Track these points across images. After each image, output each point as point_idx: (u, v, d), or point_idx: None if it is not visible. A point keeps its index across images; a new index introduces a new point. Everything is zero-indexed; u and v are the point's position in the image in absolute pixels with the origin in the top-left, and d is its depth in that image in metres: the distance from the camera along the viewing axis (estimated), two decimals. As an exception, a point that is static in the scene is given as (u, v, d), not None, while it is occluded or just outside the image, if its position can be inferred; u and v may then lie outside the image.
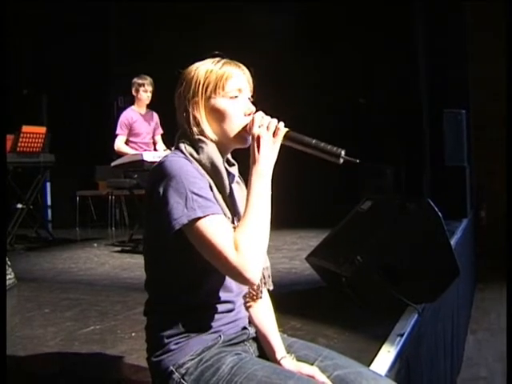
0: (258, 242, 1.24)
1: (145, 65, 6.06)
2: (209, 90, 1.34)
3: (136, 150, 4.91)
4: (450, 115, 5.71)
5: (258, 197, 1.27)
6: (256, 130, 1.31)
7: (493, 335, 4.49)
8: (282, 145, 1.32)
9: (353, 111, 6.29)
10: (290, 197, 5.70)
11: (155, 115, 5.14)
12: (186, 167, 1.27)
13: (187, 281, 1.31)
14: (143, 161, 4.34)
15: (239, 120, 1.35)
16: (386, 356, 1.84)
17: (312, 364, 1.34)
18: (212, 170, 1.32)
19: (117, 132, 4.91)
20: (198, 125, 1.34)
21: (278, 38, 6.11)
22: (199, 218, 1.21)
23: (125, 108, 5.20)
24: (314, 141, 1.33)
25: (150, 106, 5.10)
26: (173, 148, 1.39)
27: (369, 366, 1.69)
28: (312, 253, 3.03)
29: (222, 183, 1.33)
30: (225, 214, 1.29)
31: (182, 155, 1.32)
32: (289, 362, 1.36)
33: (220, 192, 1.32)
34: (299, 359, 1.38)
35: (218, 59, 1.38)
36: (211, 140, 1.34)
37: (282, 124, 1.32)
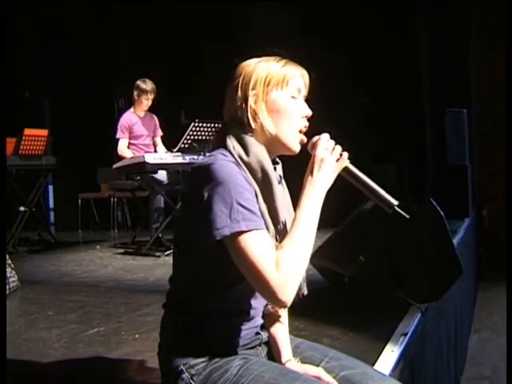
0: (301, 264, 1.19)
1: (145, 67, 6.07)
2: (271, 84, 1.29)
3: (137, 151, 4.96)
4: (452, 114, 5.69)
5: (308, 219, 1.23)
6: (320, 153, 1.27)
7: (496, 334, 4.48)
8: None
9: (355, 111, 6.28)
10: (292, 197, 5.69)
11: (154, 117, 5.18)
12: (235, 174, 1.20)
13: (216, 287, 1.27)
14: (145, 163, 4.36)
15: (298, 120, 1.31)
16: (390, 355, 1.85)
17: (318, 365, 1.34)
18: (261, 176, 1.25)
19: (118, 136, 4.96)
20: (254, 119, 1.29)
21: (279, 36, 6.10)
22: (242, 232, 1.15)
23: (125, 110, 5.22)
24: (372, 183, 1.29)
25: (150, 109, 5.13)
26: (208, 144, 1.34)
27: (373, 365, 1.69)
28: (315, 253, 3.03)
29: (271, 191, 1.26)
30: (268, 228, 1.23)
31: (230, 158, 1.24)
32: (294, 365, 1.35)
33: (266, 201, 1.25)
34: (305, 360, 1.37)
35: (279, 58, 1.33)
36: (261, 141, 1.28)
37: (346, 154, 1.29)
